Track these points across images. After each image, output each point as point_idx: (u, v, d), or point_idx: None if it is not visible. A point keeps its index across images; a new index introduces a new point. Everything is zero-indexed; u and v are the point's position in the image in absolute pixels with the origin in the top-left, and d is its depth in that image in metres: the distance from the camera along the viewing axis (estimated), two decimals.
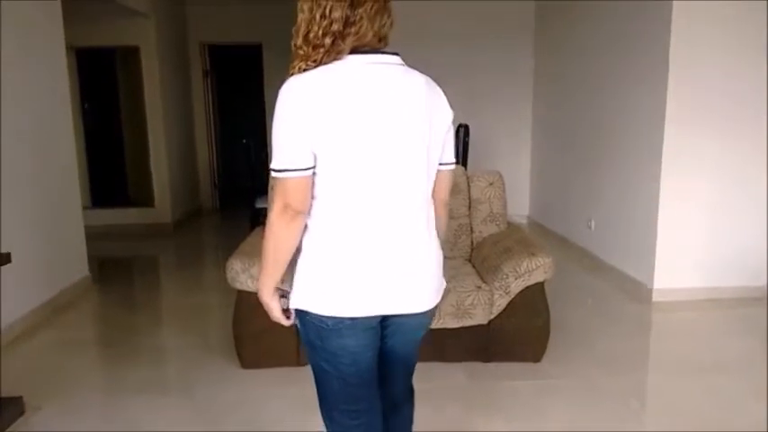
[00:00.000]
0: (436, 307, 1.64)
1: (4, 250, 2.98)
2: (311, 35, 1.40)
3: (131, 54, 6.62)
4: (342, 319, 1.46)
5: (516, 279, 3.09)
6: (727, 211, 4.16)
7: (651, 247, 4.18)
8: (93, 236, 5.08)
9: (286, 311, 1.57)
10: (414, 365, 1.82)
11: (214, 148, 8.33)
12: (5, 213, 3.63)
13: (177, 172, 7.22)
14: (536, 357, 3.24)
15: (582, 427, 2.66)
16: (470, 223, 3.68)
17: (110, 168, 7.24)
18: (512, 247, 3.30)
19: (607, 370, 3.20)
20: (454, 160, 1.62)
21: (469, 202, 3.67)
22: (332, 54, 1.40)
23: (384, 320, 1.57)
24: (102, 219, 6.44)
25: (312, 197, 1.43)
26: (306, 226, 1.46)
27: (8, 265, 2.82)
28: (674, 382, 3.08)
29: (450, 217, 3.60)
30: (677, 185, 4.09)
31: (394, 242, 1.48)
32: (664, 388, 3.07)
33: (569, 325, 3.71)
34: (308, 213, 1.45)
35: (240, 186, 7.03)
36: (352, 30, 1.39)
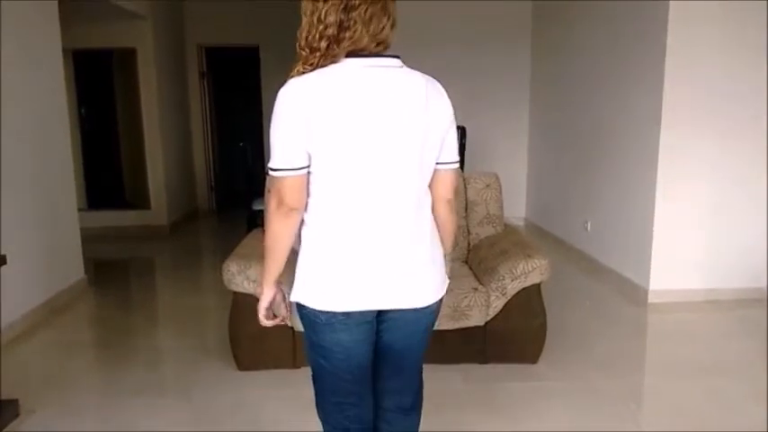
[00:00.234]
0: (438, 304, 1.65)
1: (0, 252, 2.97)
2: (309, 38, 1.44)
3: (128, 56, 6.61)
4: (335, 314, 1.52)
5: (513, 281, 3.09)
6: (725, 212, 4.17)
7: (648, 248, 4.19)
8: (90, 238, 5.07)
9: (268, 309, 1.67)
10: (417, 366, 1.80)
11: (211, 150, 8.32)
12: (1, 215, 3.61)
13: (174, 174, 7.21)
14: (533, 359, 3.24)
15: (578, 428, 2.66)
16: (467, 225, 3.68)
17: (106, 170, 7.23)
18: (508, 248, 3.30)
19: (604, 372, 3.20)
20: (456, 160, 1.60)
21: (466, 204, 3.67)
22: (328, 58, 1.43)
23: (380, 315, 1.60)
24: (98, 221, 6.42)
25: (308, 194, 1.49)
26: (304, 222, 1.52)
27: (4, 266, 2.81)
28: (672, 384, 3.08)
29: None
30: (673, 187, 4.10)
31: (386, 239, 1.51)
32: (661, 390, 3.07)
33: (566, 327, 3.71)
34: (306, 210, 1.50)
35: (237, 189, 7.03)
36: (347, 34, 1.42)
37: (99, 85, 7.11)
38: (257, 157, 5.30)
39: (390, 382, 1.75)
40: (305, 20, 1.46)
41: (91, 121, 7.17)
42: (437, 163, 1.56)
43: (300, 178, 1.44)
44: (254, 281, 3.00)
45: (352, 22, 1.41)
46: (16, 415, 2.73)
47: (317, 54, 1.43)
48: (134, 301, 4.83)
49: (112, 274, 5.51)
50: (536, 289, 3.17)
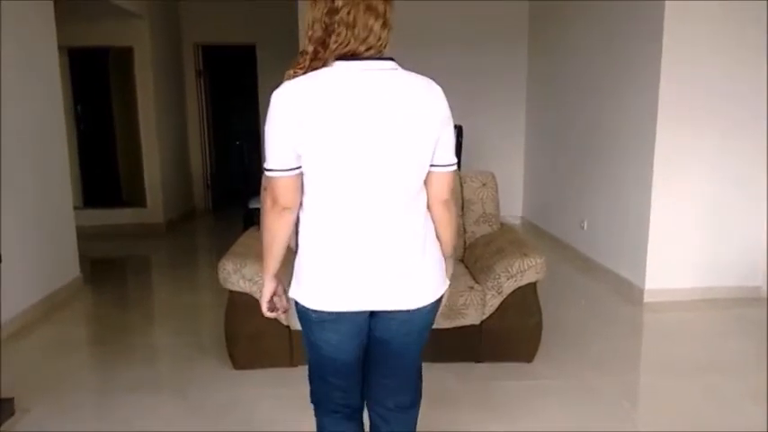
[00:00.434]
0: (434, 305, 1.64)
1: None
2: (304, 41, 1.49)
3: (125, 54, 6.60)
4: (326, 313, 1.56)
5: (508, 279, 3.09)
6: (720, 211, 4.18)
7: (643, 247, 4.20)
8: (86, 236, 5.06)
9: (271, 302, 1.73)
10: (414, 365, 1.80)
11: (207, 148, 8.31)
12: None
13: (170, 172, 7.20)
14: (528, 358, 3.25)
15: (574, 427, 2.67)
16: (463, 224, 3.68)
17: (102, 168, 7.21)
18: (504, 247, 3.31)
19: (600, 370, 3.20)
20: (452, 162, 1.58)
21: (462, 203, 3.68)
22: (317, 61, 1.45)
23: (373, 315, 1.61)
24: (94, 219, 6.42)
25: (303, 194, 1.53)
26: (300, 221, 1.57)
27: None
28: (668, 383, 3.09)
29: None
30: (669, 186, 4.11)
31: (377, 240, 1.52)
32: (656, 388, 3.08)
33: (562, 325, 3.72)
34: (301, 208, 1.55)
35: (233, 187, 7.01)
36: (332, 38, 1.43)
37: (95, 84, 7.08)
38: (254, 156, 5.27)
39: (388, 380, 1.76)
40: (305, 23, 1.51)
41: (87, 120, 7.16)
42: (432, 165, 1.55)
43: (293, 179, 1.48)
44: (250, 279, 3.00)
45: (336, 26, 1.43)
46: (11, 413, 2.73)
47: (307, 57, 1.46)
48: (130, 299, 4.82)
49: (108, 272, 5.50)
50: (532, 288, 3.17)
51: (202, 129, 8.21)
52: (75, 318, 4.25)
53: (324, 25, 1.44)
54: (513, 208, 6.71)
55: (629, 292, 4.32)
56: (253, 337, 3.11)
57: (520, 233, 4.29)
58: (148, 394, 3.00)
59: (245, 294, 3.02)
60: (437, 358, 3.17)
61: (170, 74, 7.42)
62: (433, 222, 1.63)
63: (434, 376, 3.05)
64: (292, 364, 3.09)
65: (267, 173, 1.49)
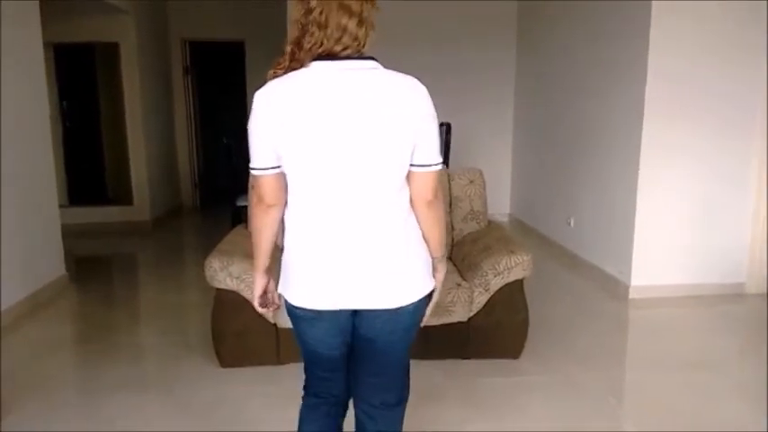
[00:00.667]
0: (418, 304, 1.63)
1: None
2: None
3: (111, 50, 6.54)
4: (307, 310, 1.60)
5: (496, 276, 3.11)
6: (706, 209, 4.22)
7: (629, 244, 4.23)
8: (71, 234, 5.02)
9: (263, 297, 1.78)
10: (401, 363, 1.79)
11: (195, 146, 8.26)
12: None
13: (157, 170, 7.15)
14: (515, 354, 3.26)
15: (560, 423, 2.69)
16: (451, 221, 3.68)
17: (88, 166, 7.15)
18: (491, 244, 3.32)
19: (586, 366, 3.22)
20: (434, 162, 1.54)
21: (450, 200, 3.68)
22: (295, 62, 1.47)
23: (357, 313, 1.62)
24: (79, 217, 6.35)
25: (288, 192, 1.56)
26: (284, 218, 1.61)
27: None
28: (653, 379, 3.11)
29: None
30: (655, 183, 4.14)
31: (354, 239, 1.53)
32: (642, 384, 3.10)
33: (548, 322, 3.73)
34: (287, 206, 1.58)
35: (221, 185, 6.99)
36: (306, 38, 1.45)
37: (81, 80, 7.03)
38: (241, 154, 5.24)
39: (375, 378, 1.75)
40: None
41: (73, 116, 7.09)
42: (413, 164, 1.52)
43: (275, 177, 1.52)
44: (237, 277, 2.99)
45: (309, 26, 1.45)
46: None
47: (287, 57, 1.48)
48: (116, 297, 4.79)
49: (94, 270, 5.45)
50: (519, 285, 3.18)
51: (190, 126, 8.15)
52: (60, 316, 4.22)
53: (300, 25, 1.47)
54: (500, 205, 6.73)
55: (615, 289, 4.35)
56: (239, 335, 3.10)
57: (507, 230, 4.31)
58: (135, 393, 2.98)
59: (232, 292, 3.01)
60: (424, 355, 3.17)
61: (157, 70, 7.37)
62: (418, 222, 1.61)
63: (422, 373, 3.05)
64: (279, 361, 3.09)
65: (252, 171, 1.54)
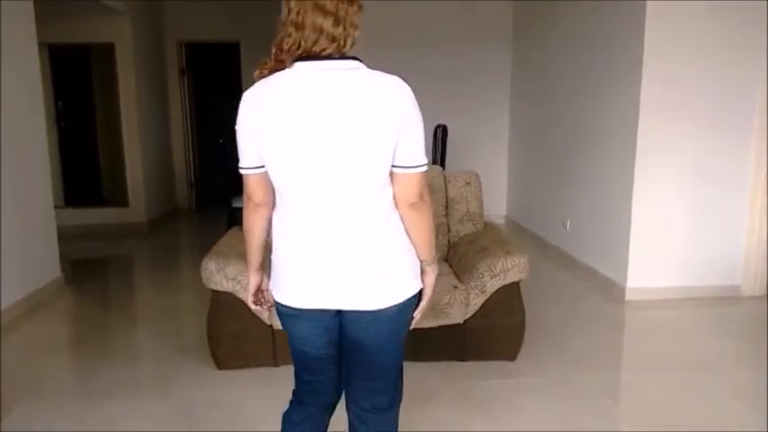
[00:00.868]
0: (401, 308, 1.60)
1: None
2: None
3: (106, 51, 6.53)
4: (289, 308, 1.62)
5: (492, 278, 3.11)
6: (701, 211, 4.23)
7: (625, 246, 4.24)
8: (67, 236, 4.99)
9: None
10: (391, 367, 1.76)
11: (190, 147, 8.24)
12: None
13: (152, 171, 7.14)
14: (511, 356, 3.27)
15: (557, 424, 2.69)
16: (447, 223, 3.69)
17: (83, 167, 7.13)
18: (488, 246, 3.32)
19: (581, 368, 3.23)
20: (416, 164, 1.51)
21: (446, 202, 3.69)
22: (278, 63, 1.49)
23: (342, 313, 1.62)
24: (75, 218, 6.33)
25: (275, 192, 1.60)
26: (273, 218, 1.64)
27: None
28: (648, 380, 3.12)
29: None
30: (651, 186, 4.15)
31: (334, 240, 1.54)
32: (638, 385, 3.11)
33: (544, 324, 3.74)
34: (275, 206, 1.62)
35: (217, 186, 6.97)
36: (285, 39, 1.46)
37: (76, 81, 7.01)
38: (237, 155, 5.25)
39: (365, 381, 1.74)
40: None
41: (68, 117, 7.06)
42: (395, 165, 1.50)
43: (261, 176, 1.56)
44: (233, 279, 2.98)
45: (288, 26, 1.46)
46: None
47: (271, 58, 1.50)
48: (112, 299, 4.78)
49: (90, 272, 5.43)
50: (515, 286, 3.19)
51: (185, 127, 8.15)
52: (56, 318, 4.21)
53: (282, 26, 1.48)
54: (497, 207, 6.75)
55: (611, 291, 4.36)
56: (236, 337, 3.10)
57: (503, 232, 4.31)
58: (131, 395, 2.98)
59: (228, 294, 3.00)
60: (420, 357, 3.19)
61: (153, 71, 7.36)
62: (403, 224, 1.59)
63: (418, 375, 3.08)
64: (275, 363, 3.09)
65: (240, 170, 1.58)
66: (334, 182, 1.48)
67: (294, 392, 1.84)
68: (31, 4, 4.39)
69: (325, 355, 1.71)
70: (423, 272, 1.67)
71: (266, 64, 1.51)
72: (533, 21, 6.12)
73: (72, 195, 6.91)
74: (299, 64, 1.46)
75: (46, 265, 4.53)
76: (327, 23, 1.43)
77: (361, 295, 1.57)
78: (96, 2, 5.61)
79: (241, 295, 2.93)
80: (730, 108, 4.13)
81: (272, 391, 2.73)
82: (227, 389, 2.98)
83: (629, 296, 4.23)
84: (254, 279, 1.77)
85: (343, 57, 1.47)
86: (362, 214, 1.53)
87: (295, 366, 1.79)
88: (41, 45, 4.61)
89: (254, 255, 1.71)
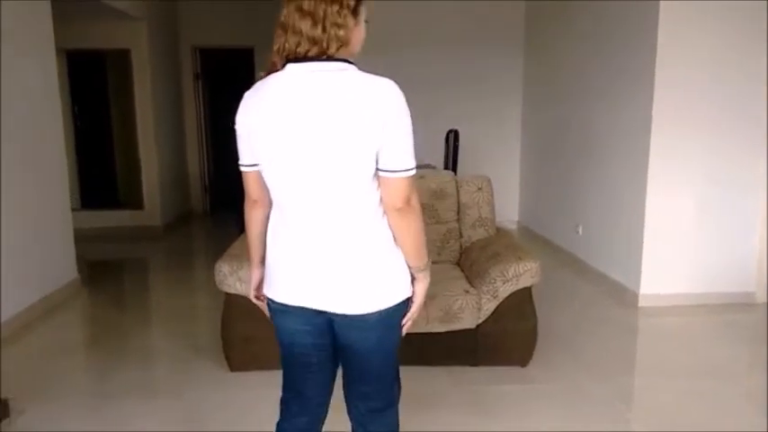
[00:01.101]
0: (386, 314, 1.58)
1: None
2: None
3: (122, 57, 6.61)
4: (277, 302, 1.64)
5: (504, 283, 3.11)
6: (714, 217, 4.20)
7: (638, 252, 4.22)
8: (83, 238, 5.06)
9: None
10: (384, 372, 1.74)
11: (205, 151, 8.32)
12: None
13: (167, 175, 7.21)
14: (523, 362, 3.26)
15: (568, 430, 2.68)
16: (459, 228, 3.70)
17: (100, 170, 7.21)
18: (500, 251, 3.33)
19: (594, 374, 3.22)
20: (402, 168, 1.48)
21: (458, 207, 3.69)
22: (274, 65, 1.51)
23: (330, 316, 1.62)
24: (91, 221, 6.42)
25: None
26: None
27: None
28: (661, 386, 3.10)
29: (438, 221, 3.62)
30: (663, 191, 4.13)
31: (315, 240, 1.55)
32: (650, 392, 3.09)
33: (557, 329, 3.73)
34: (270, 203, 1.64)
35: (231, 190, 7.02)
36: (275, 41, 1.50)
37: (93, 85, 7.09)
38: None
39: (359, 385, 1.75)
40: None
41: (85, 121, 7.16)
42: (380, 169, 1.48)
43: (256, 173, 1.59)
44: (247, 282, 3.00)
45: (278, 29, 1.49)
46: (7, 415, 2.73)
47: (269, 60, 1.53)
48: (127, 300, 4.83)
49: (106, 274, 5.50)
50: (527, 292, 3.18)
51: (200, 131, 8.22)
52: (72, 319, 4.26)
53: (275, 29, 1.51)
54: (509, 212, 6.73)
55: (624, 297, 4.34)
56: (248, 340, 3.12)
57: (515, 237, 4.31)
58: (144, 396, 3.01)
59: (242, 297, 3.02)
60: (432, 361, 3.20)
61: (168, 76, 7.43)
62: (390, 229, 1.56)
63: (429, 379, 3.09)
64: None
65: (239, 167, 1.63)
66: (317, 182, 1.49)
67: (281, 401, 1.84)
68: (50, 9, 4.45)
69: (313, 358, 1.71)
70: (414, 279, 1.64)
71: (265, 67, 1.55)
72: (545, 25, 6.11)
73: (88, 198, 7.00)
74: (289, 66, 1.48)
75: (63, 267, 4.59)
76: (306, 25, 1.45)
77: (343, 298, 1.56)
78: (113, 8, 5.68)
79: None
80: (743, 113, 4.10)
81: None
82: (239, 390, 3.00)
83: (641, 302, 4.20)
84: (255, 274, 1.79)
85: (331, 58, 1.46)
86: (346, 216, 1.52)
87: (283, 371, 1.80)
88: (59, 51, 4.67)
89: (254, 250, 1.73)
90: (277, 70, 1.50)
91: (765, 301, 4.26)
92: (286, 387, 1.82)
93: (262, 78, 1.54)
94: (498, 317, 3.15)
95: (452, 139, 5.78)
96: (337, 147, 1.44)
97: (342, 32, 1.46)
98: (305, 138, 1.45)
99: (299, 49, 1.46)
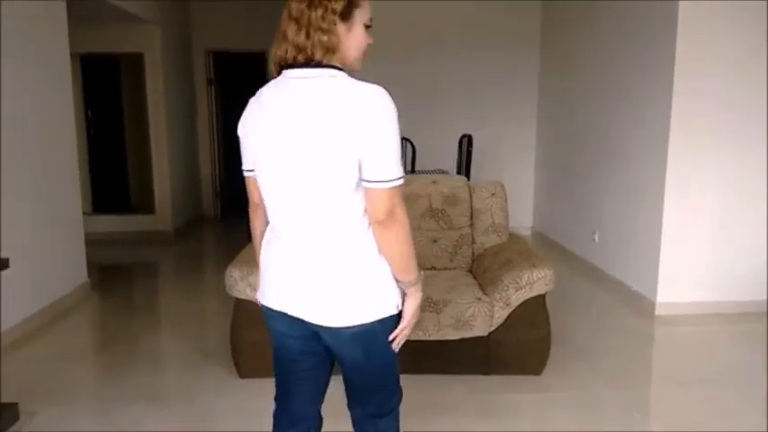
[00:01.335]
0: (372, 328, 1.52)
1: (3, 255, 2.97)
2: None
3: (136, 61, 6.64)
4: (264, 305, 1.65)
5: (517, 291, 3.06)
6: (732, 226, 4.13)
7: (655, 260, 4.15)
8: (94, 242, 5.07)
9: None
10: (377, 383, 1.70)
11: (217, 156, 8.33)
12: (5, 218, 3.62)
13: (179, 180, 7.22)
14: (537, 370, 3.20)
15: None
16: (472, 234, 3.65)
17: (112, 174, 7.25)
18: (513, 258, 3.28)
19: (609, 383, 3.16)
20: (383, 178, 1.42)
21: (471, 213, 3.65)
22: (273, 69, 1.52)
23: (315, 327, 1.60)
24: (102, 225, 6.44)
25: None
26: None
27: (7, 270, 2.80)
28: (677, 395, 3.05)
29: (451, 227, 3.58)
30: (681, 199, 4.07)
31: (295, 249, 1.54)
32: (666, 400, 3.04)
33: (571, 337, 3.68)
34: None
35: (242, 196, 7.02)
36: (273, 46, 1.49)
37: (106, 89, 7.14)
38: None
39: (355, 393, 1.73)
40: None
41: (97, 125, 7.19)
42: (363, 180, 1.43)
43: (251, 178, 1.63)
44: (256, 287, 2.97)
45: (276, 34, 1.49)
46: (16, 419, 2.72)
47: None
48: (137, 305, 4.82)
49: (116, 278, 5.50)
50: (541, 299, 3.13)
51: (212, 136, 8.23)
52: (82, 323, 4.25)
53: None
54: (523, 219, 6.67)
55: (641, 305, 4.27)
56: (258, 346, 3.07)
57: (529, 244, 4.25)
58: (153, 401, 2.98)
59: (252, 302, 2.99)
60: (444, 369, 3.15)
61: (181, 80, 7.46)
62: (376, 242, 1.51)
63: (441, 388, 3.04)
64: None
65: (243, 172, 1.66)
66: (300, 190, 1.47)
67: (273, 414, 1.81)
68: (65, 13, 4.47)
69: (302, 364, 1.69)
70: (406, 295, 1.57)
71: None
72: (561, 29, 6.06)
73: (100, 202, 7.02)
74: (283, 72, 1.48)
75: (74, 271, 4.59)
76: (291, 31, 1.44)
77: (319, 309, 1.53)
78: (126, 12, 5.70)
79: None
80: (761, 120, 4.03)
81: None
82: (248, 397, 2.97)
83: (658, 311, 4.13)
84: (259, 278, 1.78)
85: (320, 65, 1.43)
86: (328, 226, 1.49)
87: (275, 379, 1.78)
88: (72, 54, 4.69)
89: (258, 254, 1.74)
90: (276, 77, 1.51)
91: None
92: (277, 397, 1.79)
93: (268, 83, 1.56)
94: (511, 324, 3.09)
95: (466, 143, 5.74)
96: (318, 154, 1.41)
97: (326, 38, 1.42)
98: (289, 145, 1.45)
99: (287, 56, 1.45)
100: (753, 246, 4.17)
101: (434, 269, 3.60)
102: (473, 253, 3.65)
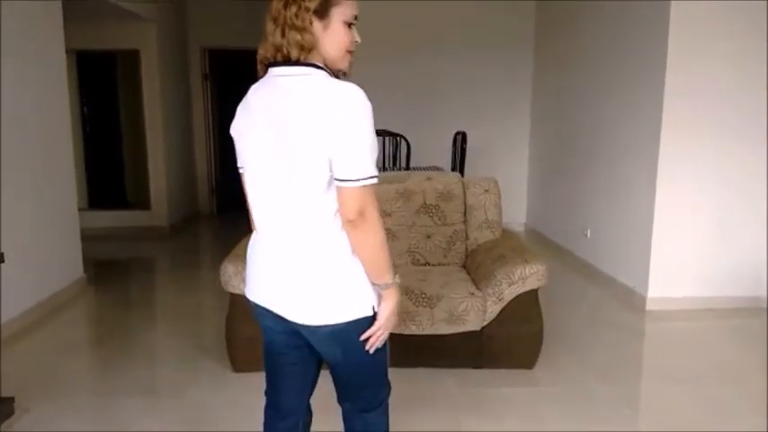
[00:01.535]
0: (341, 329, 1.52)
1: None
2: None
3: (131, 57, 6.64)
4: (249, 299, 1.67)
5: (510, 286, 3.09)
6: (723, 221, 4.17)
7: (646, 256, 4.19)
8: (90, 237, 5.07)
9: None
10: (363, 380, 1.70)
11: (212, 152, 8.33)
12: (2, 214, 3.63)
13: (175, 176, 7.22)
14: (529, 364, 3.24)
15: None
16: (465, 229, 3.68)
17: (108, 170, 7.25)
18: (506, 253, 3.31)
19: (600, 378, 3.20)
20: (353, 177, 1.40)
21: (465, 209, 3.68)
22: (260, 69, 1.55)
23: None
24: (98, 221, 6.45)
25: None
26: None
27: (2, 264, 2.82)
28: (668, 391, 3.08)
29: (444, 223, 3.61)
30: (673, 195, 4.10)
31: (271, 246, 1.57)
32: (657, 396, 3.07)
33: (563, 332, 3.71)
34: None
35: (237, 191, 7.04)
36: (260, 45, 1.50)
37: (102, 86, 7.14)
38: None
39: (342, 389, 1.74)
40: None
41: (93, 122, 7.19)
42: (335, 178, 1.42)
43: (243, 176, 1.64)
44: None
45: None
46: (11, 413, 2.74)
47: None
48: (132, 300, 4.83)
49: (112, 273, 5.51)
50: (533, 294, 3.17)
51: (208, 132, 8.24)
52: (78, 318, 4.27)
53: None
54: (516, 215, 6.71)
55: (632, 300, 4.31)
56: (253, 340, 3.07)
57: (522, 240, 4.29)
58: (149, 396, 3.01)
59: (246, 297, 3.02)
60: (437, 363, 3.18)
61: (177, 77, 7.46)
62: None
63: (434, 381, 3.07)
64: None
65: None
66: (274, 187, 1.50)
67: (264, 409, 1.83)
68: (61, 10, 4.47)
69: (288, 357, 1.71)
70: (382, 297, 1.54)
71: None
72: (555, 28, 6.09)
73: (96, 198, 7.03)
74: (269, 70, 1.50)
75: (69, 266, 4.60)
76: (270, 28, 1.46)
77: (293, 306, 1.54)
78: (122, 9, 5.70)
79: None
80: (753, 117, 4.07)
81: None
82: (243, 391, 2.99)
83: (649, 306, 4.17)
84: None
85: (298, 63, 1.44)
86: (301, 224, 1.49)
87: (265, 373, 1.80)
88: (68, 51, 4.69)
89: None
90: (262, 76, 1.54)
91: None
92: (267, 391, 1.81)
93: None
94: (504, 319, 3.13)
95: (460, 141, 5.76)
96: (290, 152, 1.43)
97: (300, 36, 1.41)
98: (264, 142, 1.48)
99: (267, 55, 1.47)
100: (745, 241, 4.21)
101: (428, 264, 3.63)
102: (467, 249, 3.68)
